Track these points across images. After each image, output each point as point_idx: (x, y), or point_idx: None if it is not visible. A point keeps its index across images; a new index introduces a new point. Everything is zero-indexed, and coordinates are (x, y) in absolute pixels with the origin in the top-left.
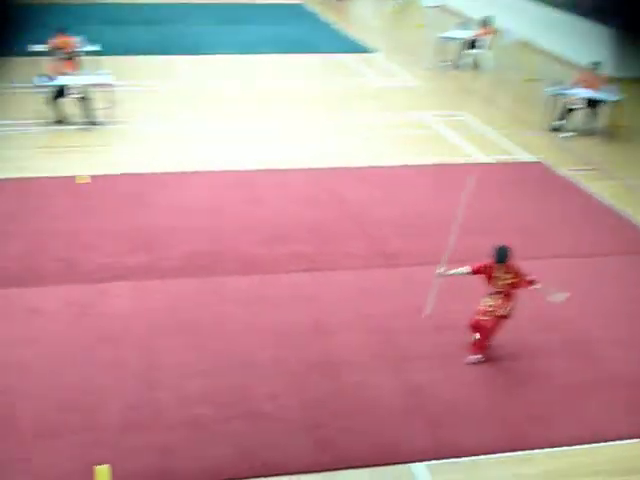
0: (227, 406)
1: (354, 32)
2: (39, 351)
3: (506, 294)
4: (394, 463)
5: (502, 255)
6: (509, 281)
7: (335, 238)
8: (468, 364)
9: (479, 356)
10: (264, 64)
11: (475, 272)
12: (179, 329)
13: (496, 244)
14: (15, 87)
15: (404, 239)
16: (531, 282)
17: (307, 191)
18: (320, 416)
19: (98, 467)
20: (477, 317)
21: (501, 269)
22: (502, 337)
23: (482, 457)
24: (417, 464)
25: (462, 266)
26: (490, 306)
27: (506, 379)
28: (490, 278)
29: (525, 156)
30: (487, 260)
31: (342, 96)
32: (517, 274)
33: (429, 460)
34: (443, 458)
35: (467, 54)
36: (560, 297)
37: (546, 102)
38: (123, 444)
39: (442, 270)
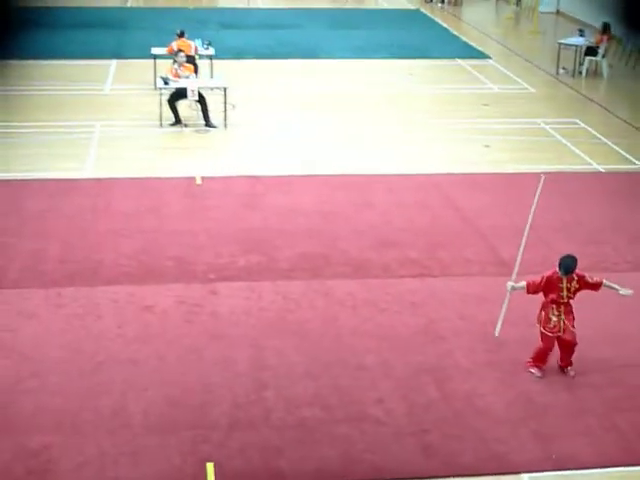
0: (334, 409)
1: (470, 38)
2: (151, 348)
3: (568, 305)
4: (502, 473)
5: (570, 266)
6: (573, 290)
7: (447, 244)
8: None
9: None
10: (379, 69)
11: (534, 289)
12: (288, 330)
13: (562, 254)
14: (135, 89)
15: (518, 247)
16: (600, 283)
17: (420, 196)
18: (427, 422)
19: (209, 463)
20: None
21: (565, 279)
22: (612, 349)
23: (593, 470)
24: (526, 475)
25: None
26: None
27: (616, 392)
28: (554, 290)
29: None
30: (548, 272)
31: (457, 102)
32: (582, 280)
33: (538, 471)
34: (553, 470)
35: (585, 61)
36: (627, 292)
37: None
38: (230, 442)
39: (513, 284)
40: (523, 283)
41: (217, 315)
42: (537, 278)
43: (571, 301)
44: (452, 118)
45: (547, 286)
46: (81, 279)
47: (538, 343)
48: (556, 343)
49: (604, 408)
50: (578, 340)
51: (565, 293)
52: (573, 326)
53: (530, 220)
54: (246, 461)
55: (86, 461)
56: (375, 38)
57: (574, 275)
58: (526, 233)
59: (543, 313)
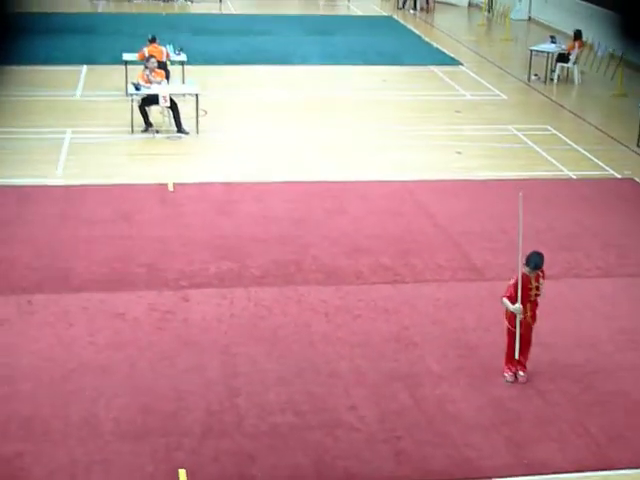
0: (307, 415)
1: (442, 45)
2: (123, 355)
3: (535, 303)
4: (474, 478)
5: (539, 262)
6: (539, 287)
7: (419, 250)
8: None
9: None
10: (351, 75)
11: (513, 296)
12: (260, 337)
13: (530, 252)
14: (106, 95)
15: (490, 253)
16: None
17: (392, 203)
18: (400, 428)
19: (181, 470)
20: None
21: (534, 278)
22: (583, 354)
23: (565, 475)
24: None
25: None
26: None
27: (588, 398)
28: (526, 290)
29: (614, 172)
30: (516, 276)
31: (429, 108)
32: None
33: (509, 477)
34: (524, 475)
35: (557, 67)
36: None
37: (637, 117)
38: (203, 449)
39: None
40: (517, 305)
41: (189, 322)
42: (511, 289)
43: (538, 299)
44: (425, 125)
45: (516, 290)
46: (52, 286)
47: (506, 344)
48: None
49: (576, 414)
50: (550, 345)
51: (534, 292)
52: (534, 321)
53: (520, 243)
54: (219, 468)
55: (58, 468)
56: (348, 44)
57: (540, 272)
58: (519, 255)
59: (509, 310)
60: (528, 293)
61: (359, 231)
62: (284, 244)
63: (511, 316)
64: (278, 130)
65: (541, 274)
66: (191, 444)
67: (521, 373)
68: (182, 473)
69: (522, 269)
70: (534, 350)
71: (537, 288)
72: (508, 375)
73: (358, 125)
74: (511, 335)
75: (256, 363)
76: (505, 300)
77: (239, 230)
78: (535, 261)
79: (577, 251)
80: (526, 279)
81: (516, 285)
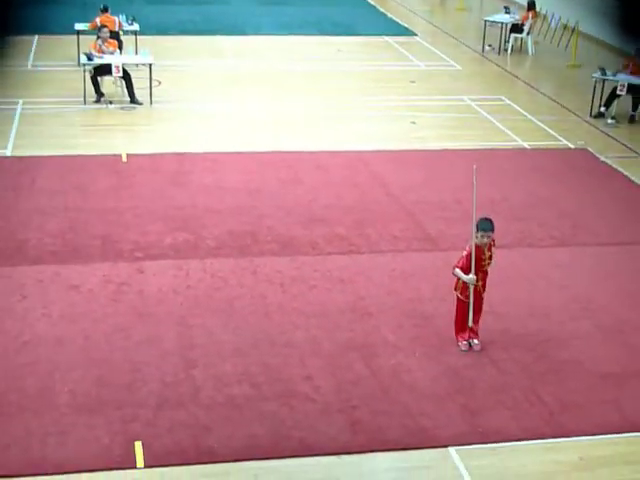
0: (263, 386)
1: (397, 15)
2: (78, 327)
3: (486, 272)
4: (429, 447)
5: (487, 225)
6: (490, 257)
7: (374, 221)
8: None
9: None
10: (306, 45)
11: (466, 266)
12: (216, 308)
13: (481, 217)
14: (58, 65)
15: (445, 223)
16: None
17: (347, 173)
18: (355, 398)
19: (137, 442)
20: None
21: (487, 248)
22: (537, 323)
23: (518, 443)
24: (452, 448)
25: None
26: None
27: (541, 366)
28: (479, 261)
29: (568, 142)
30: (469, 248)
31: (384, 79)
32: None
33: (464, 445)
34: (479, 443)
35: (511, 38)
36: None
37: (590, 88)
38: (159, 421)
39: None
40: (470, 276)
41: (144, 294)
42: (463, 260)
43: (488, 268)
44: (379, 95)
45: (469, 261)
46: (5, 258)
47: (455, 313)
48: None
49: (529, 382)
50: (503, 315)
51: (486, 262)
52: (484, 290)
53: (474, 214)
54: (175, 439)
55: (13, 442)
56: (302, 15)
57: (492, 241)
58: (474, 227)
59: (461, 281)
60: (481, 263)
61: (314, 201)
62: (239, 215)
63: (463, 286)
64: (232, 101)
65: (492, 243)
66: (147, 416)
67: (475, 341)
68: (138, 445)
69: (474, 239)
70: (487, 319)
71: (490, 257)
72: (462, 344)
73: (313, 95)
74: (461, 306)
75: (212, 334)
76: (458, 270)
77: (194, 201)
78: (483, 226)
79: (531, 221)
80: (479, 250)
81: (469, 256)
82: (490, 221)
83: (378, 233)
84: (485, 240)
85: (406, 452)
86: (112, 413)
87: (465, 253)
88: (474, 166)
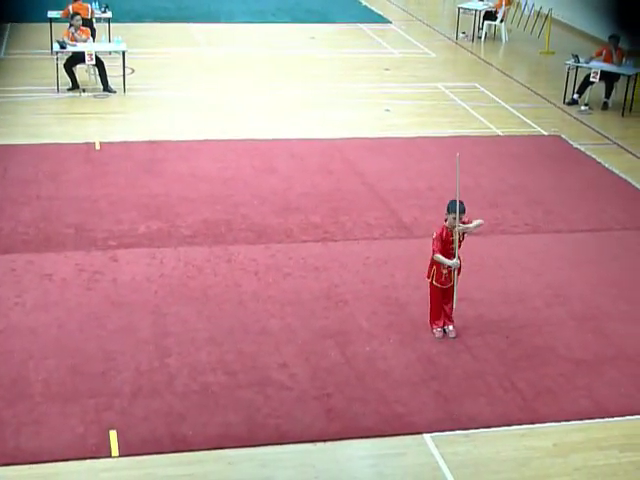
0: (238, 374)
1: (371, 2)
2: (51, 316)
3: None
4: (404, 434)
5: (462, 206)
6: (460, 241)
7: (349, 209)
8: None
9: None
10: (279, 33)
11: (439, 250)
12: (190, 297)
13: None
14: (31, 53)
15: (419, 210)
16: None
17: (322, 161)
18: (330, 385)
19: (112, 431)
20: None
21: (457, 233)
22: (511, 310)
23: (493, 429)
24: (427, 435)
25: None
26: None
27: (515, 352)
28: (446, 245)
29: (541, 129)
30: (438, 231)
31: (358, 66)
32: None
33: (439, 431)
34: (453, 430)
35: (485, 25)
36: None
37: (564, 75)
38: (133, 410)
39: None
40: (454, 261)
41: (118, 282)
42: (435, 242)
43: (459, 252)
44: (353, 83)
45: (441, 245)
46: None
47: (429, 301)
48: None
49: (503, 368)
50: (477, 301)
51: (456, 245)
52: (459, 274)
53: (458, 200)
54: (150, 428)
55: None
56: (276, 2)
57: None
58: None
59: (434, 268)
60: (450, 247)
61: (289, 189)
62: (213, 203)
63: (438, 273)
64: (206, 88)
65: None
66: (121, 404)
67: (450, 327)
68: (112, 434)
69: (444, 223)
70: (462, 305)
71: (459, 242)
72: (436, 331)
73: (287, 83)
74: (436, 293)
75: (186, 323)
76: (439, 256)
77: (168, 189)
78: (453, 207)
79: (504, 208)
80: (447, 234)
81: (439, 238)
82: (461, 203)
83: (352, 221)
84: (454, 222)
85: (381, 439)
86: (86, 402)
87: (435, 235)
88: (457, 154)
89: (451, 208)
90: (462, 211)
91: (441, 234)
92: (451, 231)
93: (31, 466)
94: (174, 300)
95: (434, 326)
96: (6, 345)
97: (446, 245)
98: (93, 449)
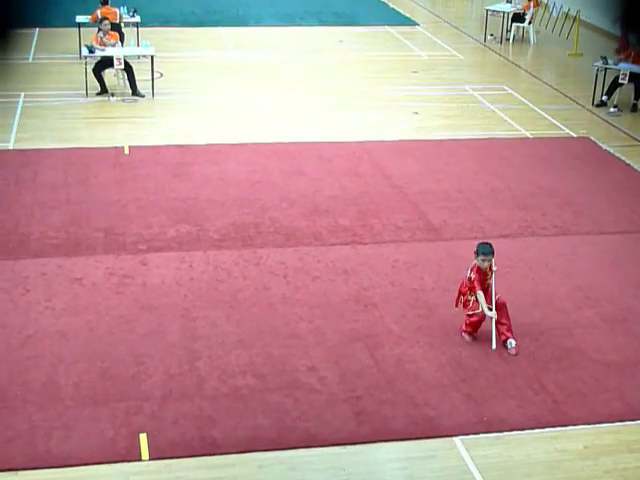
0: (267, 377)
1: (398, 5)
2: (81, 320)
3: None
4: (434, 437)
5: (484, 248)
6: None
7: (377, 211)
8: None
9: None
10: (307, 36)
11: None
12: (220, 300)
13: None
14: (59, 58)
15: (448, 213)
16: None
17: (350, 164)
18: (360, 388)
19: (142, 435)
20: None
21: (488, 269)
22: (540, 312)
23: (523, 432)
24: (457, 438)
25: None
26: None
27: (545, 355)
28: (482, 282)
29: (570, 131)
30: (474, 271)
31: (386, 69)
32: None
33: (469, 434)
34: (484, 433)
35: (513, 27)
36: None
37: (592, 77)
38: (163, 413)
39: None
40: (493, 313)
41: (147, 286)
42: (474, 282)
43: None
44: (381, 85)
45: (479, 281)
46: (8, 252)
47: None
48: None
49: (533, 370)
50: (507, 304)
51: (488, 282)
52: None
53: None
54: (180, 431)
55: (16, 435)
56: (303, 5)
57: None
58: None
59: (462, 298)
60: (483, 285)
61: (317, 192)
62: (242, 206)
63: (465, 304)
64: (234, 92)
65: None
66: (151, 408)
67: (512, 342)
68: (143, 437)
69: (474, 261)
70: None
71: (490, 277)
72: (466, 335)
73: (314, 86)
74: (472, 321)
75: (216, 326)
76: (481, 294)
77: (196, 193)
78: (484, 249)
79: (534, 210)
80: (482, 273)
81: (477, 278)
82: (490, 245)
83: (381, 223)
84: (486, 264)
85: (411, 442)
86: (116, 406)
87: (472, 274)
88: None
89: (480, 250)
90: (490, 252)
91: (478, 273)
92: (487, 272)
93: (62, 470)
94: (203, 304)
95: (466, 333)
96: (36, 349)
97: (481, 283)
98: (123, 453)
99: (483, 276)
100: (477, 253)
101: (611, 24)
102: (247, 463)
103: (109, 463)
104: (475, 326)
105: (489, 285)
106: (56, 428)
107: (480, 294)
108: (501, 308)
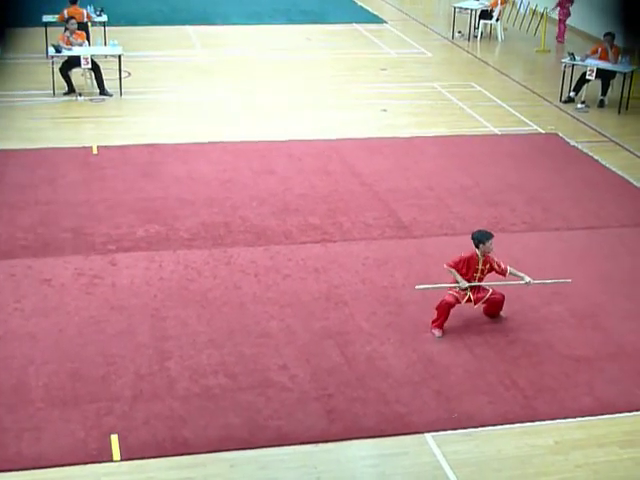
0: (238, 376)
1: (366, 3)
2: (51, 321)
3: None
4: (405, 433)
5: (479, 235)
6: (486, 272)
7: (347, 209)
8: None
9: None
10: (275, 34)
11: (455, 267)
12: (190, 300)
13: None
14: (26, 57)
15: (418, 210)
16: (505, 270)
17: (319, 162)
18: (331, 386)
19: (113, 435)
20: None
21: (482, 261)
22: (510, 308)
23: (494, 428)
24: (428, 434)
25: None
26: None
27: (515, 350)
28: (470, 271)
29: (538, 128)
30: (467, 254)
31: (354, 67)
32: (492, 263)
33: (440, 431)
34: (455, 429)
35: (480, 24)
36: (529, 280)
37: (560, 74)
38: (134, 414)
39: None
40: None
41: (117, 286)
42: (456, 259)
43: (480, 281)
44: (350, 83)
45: (464, 266)
46: None
47: (437, 307)
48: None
49: (503, 366)
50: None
51: (478, 274)
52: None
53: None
54: (151, 432)
55: None
56: (271, 3)
57: (488, 257)
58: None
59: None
60: (472, 275)
61: (287, 191)
62: (212, 206)
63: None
64: (203, 91)
65: (492, 261)
66: (122, 408)
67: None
68: (114, 438)
69: (474, 250)
70: (460, 304)
71: (483, 272)
72: (436, 331)
73: (283, 84)
74: (446, 301)
75: (186, 326)
76: (454, 271)
77: (166, 192)
78: (487, 235)
79: (503, 206)
80: (474, 260)
81: (465, 261)
82: (482, 232)
83: (351, 221)
84: (491, 247)
85: (382, 439)
86: (87, 407)
87: (460, 256)
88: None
89: (486, 236)
90: (480, 240)
91: (468, 259)
92: (479, 260)
93: (32, 472)
94: (173, 303)
95: (435, 328)
96: (6, 351)
97: (469, 272)
98: (94, 454)
99: (473, 265)
100: (481, 241)
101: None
102: (218, 463)
103: (80, 464)
104: (446, 309)
105: (474, 277)
106: (26, 430)
107: (453, 270)
108: (495, 304)
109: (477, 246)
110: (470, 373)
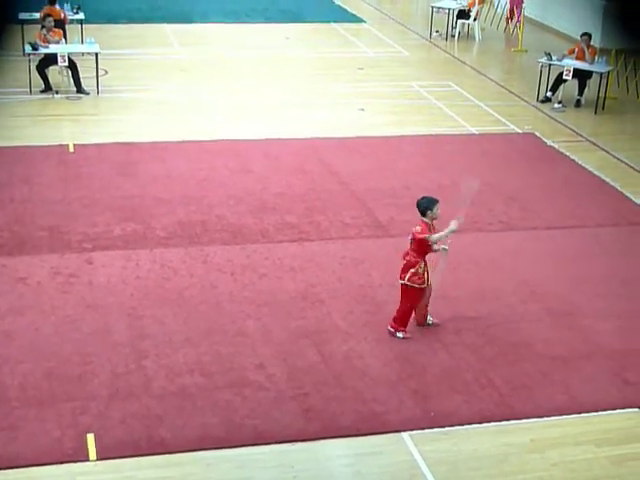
0: (215, 375)
1: (344, 2)
2: (26, 320)
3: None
4: (382, 432)
5: (424, 201)
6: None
7: (324, 208)
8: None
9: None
10: (253, 33)
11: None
12: (166, 298)
13: (419, 198)
14: (1, 55)
15: (395, 209)
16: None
17: (297, 161)
18: (308, 385)
19: (89, 435)
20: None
21: (432, 228)
22: (487, 307)
23: (470, 426)
24: (404, 433)
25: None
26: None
27: (491, 349)
28: (429, 246)
29: (515, 127)
30: (424, 228)
31: (332, 66)
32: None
33: (417, 429)
34: (431, 427)
35: (458, 24)
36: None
37: (537, 73)
38: (110, 413)
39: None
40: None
41: (93, 285)
42: (420, 230)
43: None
44: (328, 82)
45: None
46: None
47: (401, 305)
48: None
49: (480, 365)
50: (454, 299)
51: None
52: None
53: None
54: (127, 431)
55: None
56: (249, 2)
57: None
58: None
59: (411, 271)
60: (431, 247)
61: (264, 190)
62: (189, 204)
63: (414, 276)
64: (180, 89)
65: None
66: (98, 408)
67: (431, 319)
68: (90, 437)
69: (422, 219)
70: (438, 303)
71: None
72: (402, 334)
73: (261, 83)
74: (414, 293)
75: (163, 325)
76: (434, 236)
77: (142, 191)
78: (423, 203)
79: (479, 206)
80: (430, 227)
81: (424, 229)
82: (427, 199)
83: (328, 220)
84: (438, 213)
85: (359, 438)
86: (63, 406)
87: (421, 229)
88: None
89: (432, 202)
90: (426, 207)
91: (427, 229)
92: (430, 227)
93: (7, 471)
94: (150, 302)
95: (399, 331)
96: None
97: (428, 246)
98: (70, 453)
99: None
100: (428, 207)
101: None
102: (195, 462)
103: (56, 464)
104: (409, 311)
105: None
106: (1, 429)
107: (434, 236)
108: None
109: (424, 214)
110: (447, 372)
